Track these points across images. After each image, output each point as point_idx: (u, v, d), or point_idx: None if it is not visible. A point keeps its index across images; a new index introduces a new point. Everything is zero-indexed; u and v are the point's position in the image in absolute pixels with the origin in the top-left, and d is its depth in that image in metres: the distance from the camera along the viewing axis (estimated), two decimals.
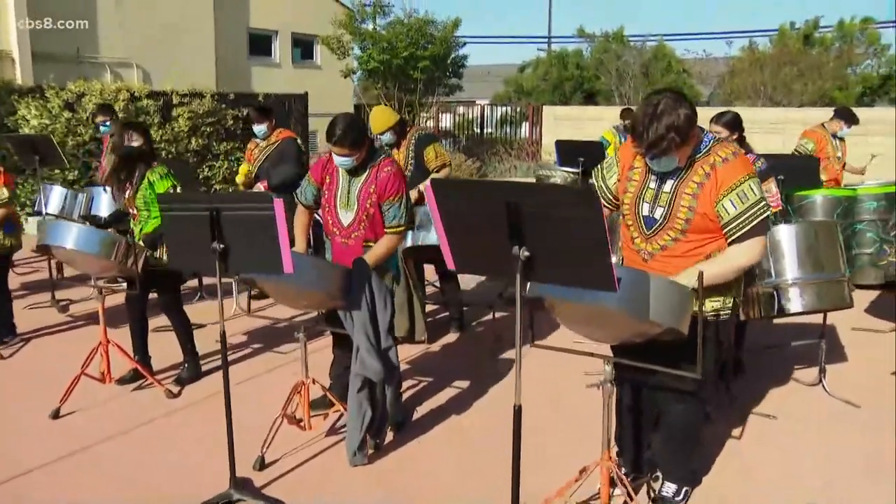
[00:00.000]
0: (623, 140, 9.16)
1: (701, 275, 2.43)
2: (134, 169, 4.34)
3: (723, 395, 4.16)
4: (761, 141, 9.88)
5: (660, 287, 2.44)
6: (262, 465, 3.50)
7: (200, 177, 11.90)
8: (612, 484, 2.88)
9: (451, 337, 5.53)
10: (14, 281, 6.39)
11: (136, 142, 4.43)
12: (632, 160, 2.91)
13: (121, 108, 10.83)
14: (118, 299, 6.43)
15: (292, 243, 3.30)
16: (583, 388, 4.46)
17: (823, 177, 6.64)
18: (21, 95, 10.21)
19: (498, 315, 5.65)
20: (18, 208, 6.36)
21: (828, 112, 7.64)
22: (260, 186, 5.76)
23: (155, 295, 4.66)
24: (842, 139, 7.16)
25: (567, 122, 19.58)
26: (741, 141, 4.46)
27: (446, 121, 20.88)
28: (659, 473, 3.22)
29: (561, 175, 7.86)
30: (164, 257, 4.43)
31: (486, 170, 17.25)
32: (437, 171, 5.12)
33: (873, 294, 6.40)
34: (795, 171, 5.82)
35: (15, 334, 5.44)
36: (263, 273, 3.13)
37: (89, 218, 6.37)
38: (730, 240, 2.75)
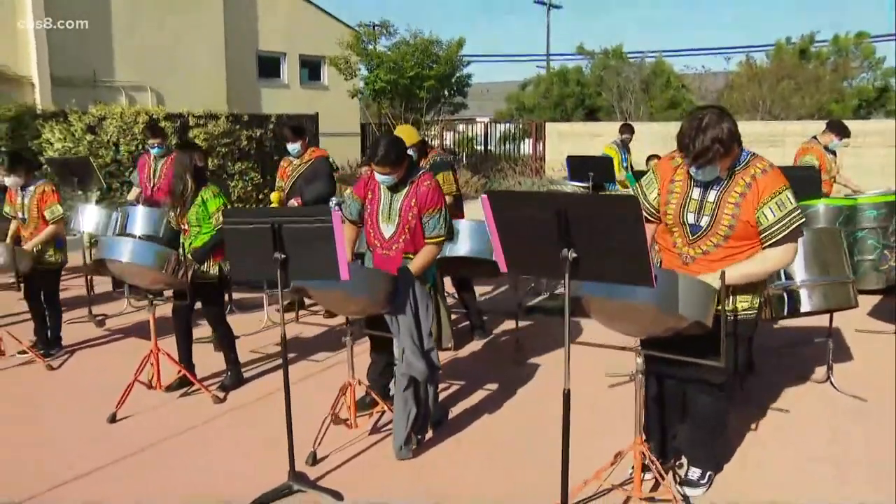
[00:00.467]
0: (624, 154, 9.49)
1: (723, 274, 2.72)
2: (197, 188, 4.64)
3: (737, 391, 4.43)
4: (762, 154, 10.19)
5: (688, 284, 2.73)
6: (314, 460, 3.76)
7: None
8: (644, 469, 3.15)
9: (476, 344, 5.81)
10: None
11: (199, 162, 4.75)
12: (671, 174, 3.20)
13: (140, 131, 11.19)
14: (159, 312, 6.75)
15: None
16: (605, 388, 4.74)
17: None
18: (45, 120, 10.55)
19: (521, 325, 5.93)
20: None
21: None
22: (294, 203, 6.05)
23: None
24: (833, 152, 7.44)
25: (570, 139, 19.91)
26: None
27: (447, 138, 21.23)
28: (684, 460, 3.49)
29: (571, 189, 8.18)
30: (211, 270, 4.73)
31: (491, 185, 17.59)
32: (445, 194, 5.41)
33: (875, 299, 6.67)
34: (798, 182, 6.07)
35: (61, 347, 5.71)
36: (322, 280, 3.40)
37: (124, 236, 6.67)
38: (766, 244, 3.03)
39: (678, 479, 3.40)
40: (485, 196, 2.49)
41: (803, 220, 3.04)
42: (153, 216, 6.56)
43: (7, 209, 5.62)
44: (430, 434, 4.04)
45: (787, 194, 3.01)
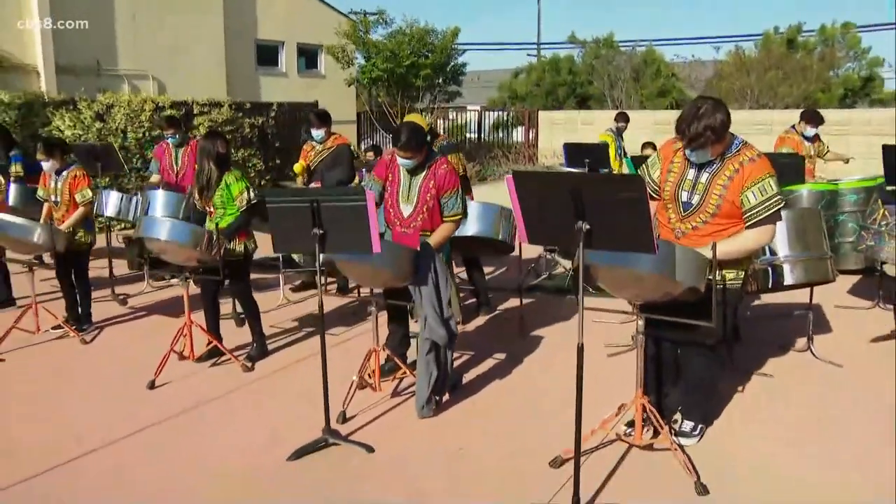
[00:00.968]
0: (619, 141, 9.91)
1: (714, 245, 3.11)
2: (221, 174, 4.99)
3: (727, 360, 4.84)
4: (750, 141, 10.60)
5: (684, 254, 3.12)
6: (344, 418, 4.15)
7: None
8: (644, 422, 3.56)
9: (481, 319, 6.20)
10: None
11: (221, 149, 5.10)
12: (672, 156, 3.60)
13: (147, 118, 11.49)
14: (171, 293, 7.13)
15: None
16: (605, 357, 5.15)
17: None
18: (56, 108, 10.82)
19: (523, 302, 6.33)
20: None
21: None
22: (314, 185, 6.40)
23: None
24: (810, 139, 7.86)
25: (563, 126, 20.27)
26: None
27: (439, 126, 21.53)
28: (678, 416, 3.89)
29: None
30: (237, 248, 5.09)
31: (485, 173, 17.95)
32: None
33: (855, 278, 7.10)
34: (782, 169, 6.51)
35: (91, 323, 6.06)
36: (355, 252, 3.77)
37: None
38: (748, 224, 3.43)
39: (673, 432, 3.80)
40: (509, 176, 2.86)
41: (782, 205, 3.44)
42: (172, 200, 6.89)
43: (41, 192, 5.95)
44: (446, 396, 4.43)
45: (770, 182, 3.40)
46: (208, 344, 5.25)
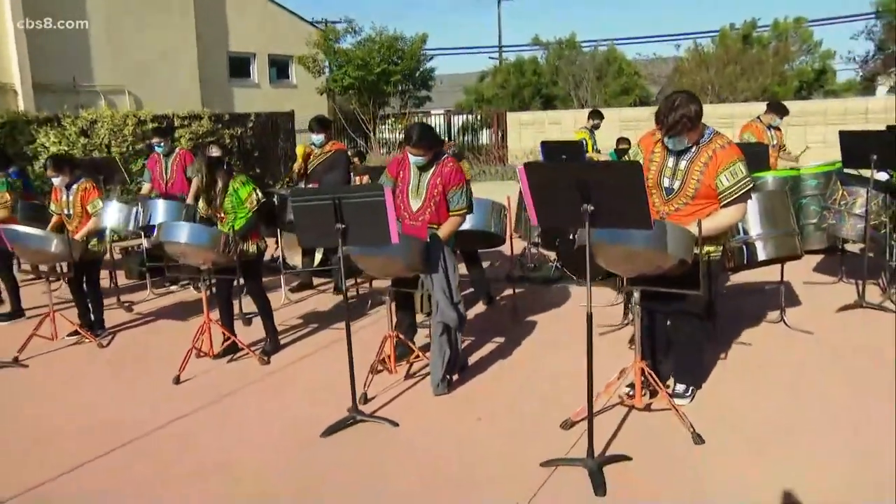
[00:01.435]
0: (594, 138, 10.41)
1: (700, 222, 3.54)
2: (218, 179, 5.30)
3: (713, 332, 5.28)
4: None
5: (674, 231, 3.54)
6: (365, 399, 4.49)
7: None
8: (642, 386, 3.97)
9: (479, 308, 6.60)
10: None
11: (216, 153, 5.41)
12: (652, 147, 4.03)
13: (130, 132, 11.70)
14: (172, 299, 7.41)
15: None
16: (597, 336, 5.55)
17: None
18: (40, 125, 10.99)
19: (516, 291, 6.74)
20: None
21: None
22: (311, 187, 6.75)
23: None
24: (776, 128, 8.43)
25: (531, 127, 20.75)
26: None
27: (396, 133, 21.81)
28: (671, 381, 4.32)
29: None
30: (250, 249, 5.41)
31: None
32: None
33: (819, 257, 7.62)
34: (748, 157, 7.00)
35: (105, 329, 6.32)
36: (374, 244, 4.13)
37: (147, 228, 7.30)
38: (723, 203, 3.87)
39: (668, 393, 4.21)
40: (521, 167, 3.25)
41: (751, 185, 3.89)
42: (172, 208, 7.20)
43: (53, 207, 6.20)
44: (455, 376, 4.80)
45: (740, 165, 3.84)
46: (224, 341, 5.55)
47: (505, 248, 6.68)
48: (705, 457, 3.59)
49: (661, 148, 3.99)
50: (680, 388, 4.23)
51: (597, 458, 3.43)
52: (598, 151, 10.06)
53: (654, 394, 4.11)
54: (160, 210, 7.20)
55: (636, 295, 3.78)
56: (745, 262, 5.10)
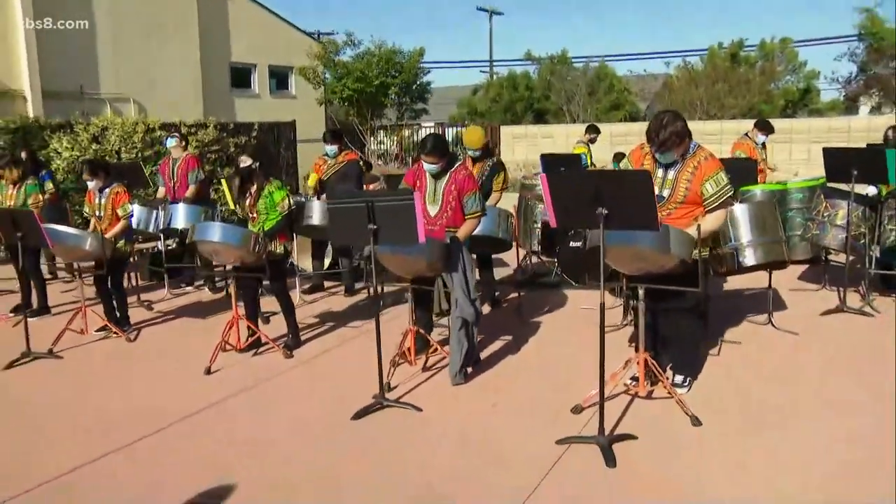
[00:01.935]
0: (590, 152, 10.88)
1: (699, 226, 3.96)
2: (254, 182, 5.70)
3: (706, 328, 5.69)
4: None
5: (676, 233, 3.96)
6: (389, 388, 4.86)
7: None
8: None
9: (486, 309, 6.98)
10: None
11: (245, 163, 5.80)
12: (642, 159, 4.47)
13: (139, 140, 12.04)
14: (188, 299, 7.75)
15: None
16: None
17: None
18: (52, 131, 11.32)
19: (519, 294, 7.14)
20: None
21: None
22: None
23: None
24: (763, 145, 8.96)
25: (523, 140, 21.25)
26: None
27: (388, 144, 22.11)
28: (669, 373, 4.72)
29: None
30: (278, 249, 5.78)
31: None
32: (497, 191, 6.56)
33: (803, 267, 8.08)
34: (738, 172, 7.47)
35: (130, 325, 6.66)
36: (402, 244, 4.52)
37: (168, 231, 7.66)
38: (708, 209, 4.30)
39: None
40: (543, 175, 3.67)
41: (732, 192, 4.36)
42: (192, 212, 7.56)
43: (87, 209, 6.55)
44: (470, 369, 5.19)
45: (721, 175, 4.30)
46: (249, 336, 5.91)
47: (509, 256, 7.07)
48: (703, 436, 4.00)
49: (650, 161, 4.43)
50: (678, 378, 4.64)
51: (607, 436, 3.82)
52: (594, 165, 10.52)
53: (654, 382, 4.52)
54: (181, 213, 7.56)
55: (640, 292, 4.18)
56: (737, 267, 5.52)
